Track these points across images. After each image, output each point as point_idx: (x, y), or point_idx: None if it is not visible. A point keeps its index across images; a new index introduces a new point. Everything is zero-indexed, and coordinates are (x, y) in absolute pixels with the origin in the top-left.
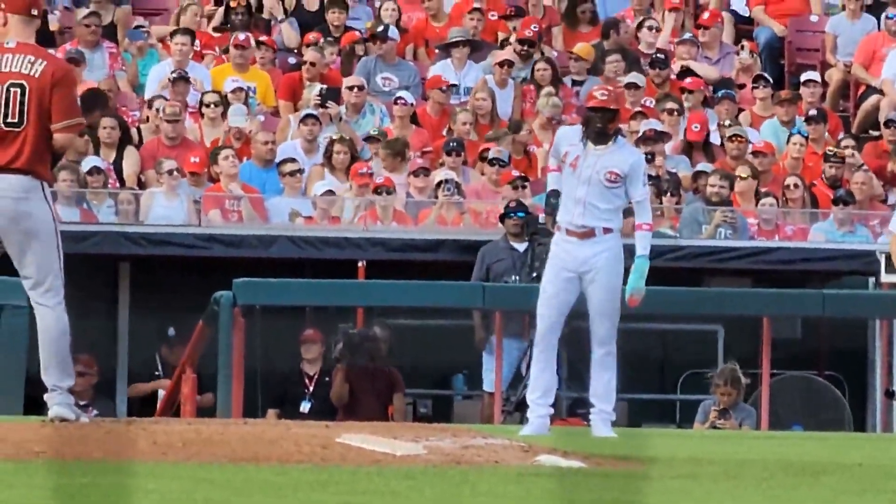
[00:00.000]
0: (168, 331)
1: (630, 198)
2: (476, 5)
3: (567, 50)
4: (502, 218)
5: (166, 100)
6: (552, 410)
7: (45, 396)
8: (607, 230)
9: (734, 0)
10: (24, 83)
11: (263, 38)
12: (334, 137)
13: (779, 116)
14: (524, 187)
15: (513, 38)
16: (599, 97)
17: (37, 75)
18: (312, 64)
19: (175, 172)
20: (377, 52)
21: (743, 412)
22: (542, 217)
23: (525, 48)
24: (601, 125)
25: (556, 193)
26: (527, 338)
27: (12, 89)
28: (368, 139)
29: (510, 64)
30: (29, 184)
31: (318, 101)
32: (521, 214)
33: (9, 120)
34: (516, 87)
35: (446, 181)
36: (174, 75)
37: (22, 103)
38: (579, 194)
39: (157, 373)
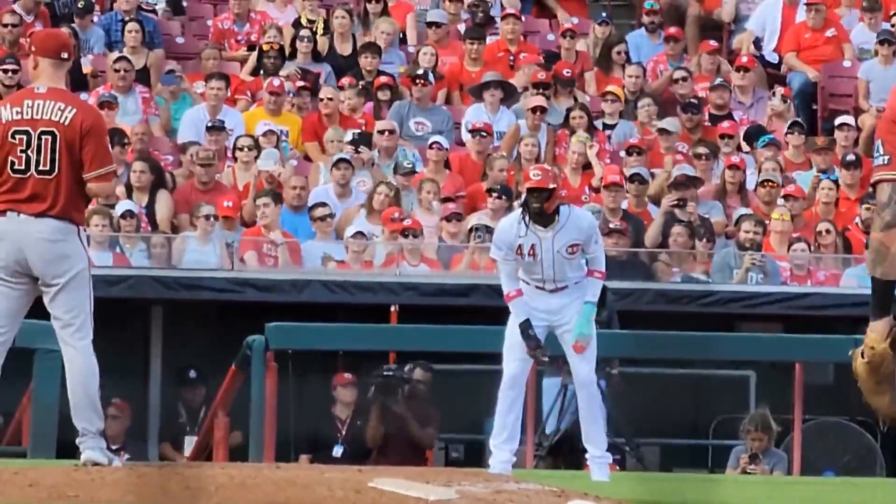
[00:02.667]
0: (189, 373)
1: (586, 254)
2: (510, 48)
3: (600, 94)
4: None
5: (199, 145)
6: (514, 458)
7: (77, 440)
8: (577, 283)
9: (763, 46)
10: (55, 130)
11: (301, 83)
12: (379, 182)
13: (816, 165)
14: None
15: (541, 76)
16: (533, 177)
17: (66, 123)
18: (330, 99)
19: (212, 217)
20: (413, 97)
21: (774, 457)
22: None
23: (558, 87)
24: (538, 205)
25: (528, 324)
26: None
27: (44, 137)
28: (405, 173)
29: (543, 110)
30: (66, 227)
31: (352, 147)
32: None
33: (41, 168)
34: (549, 133)
35: (477, 228)
36: (210, 123)
37: (53, 151)
38: (547, 274)
39: (181, 420)
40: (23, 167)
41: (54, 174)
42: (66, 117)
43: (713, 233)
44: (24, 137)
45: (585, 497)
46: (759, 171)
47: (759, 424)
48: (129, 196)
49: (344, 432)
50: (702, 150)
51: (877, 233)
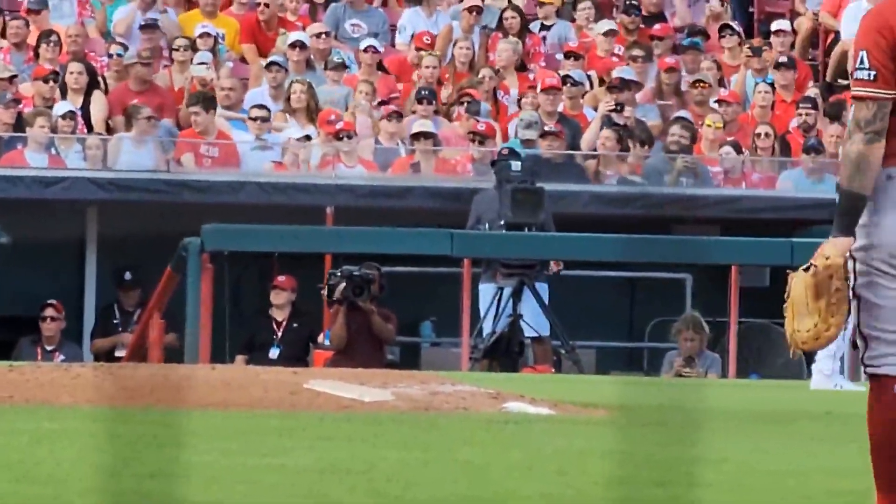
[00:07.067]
0: (124, 275)
1: None
2: None
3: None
4: (492, 164)
5: (124, 46)
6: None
7: None
8: None
9: None
10: None
11: None
12: (296, 80)
13: (751, 66)
14: (481, 143)
15: None
16: None
17: None
18: (266, 5)
19: (151, 119)
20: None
21: (708, 360)
22: (515, 165)
23: None
24: None
25: None
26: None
27: None
28: (334, 67)
29: (479, 10)
30: None
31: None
32: (510, 160)
33: None
34: (481, 35)
35: (423, 133)
36: (143, 22)
37: None
38: None
39: (115, 321)
40: None
41: None
42: None
43: (651, 136)
44: None
45: (521, 399)
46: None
47: (690, 324)
48: (64, 97)
49: (280, 334)
50: (637, 52)
51: (860, 146)
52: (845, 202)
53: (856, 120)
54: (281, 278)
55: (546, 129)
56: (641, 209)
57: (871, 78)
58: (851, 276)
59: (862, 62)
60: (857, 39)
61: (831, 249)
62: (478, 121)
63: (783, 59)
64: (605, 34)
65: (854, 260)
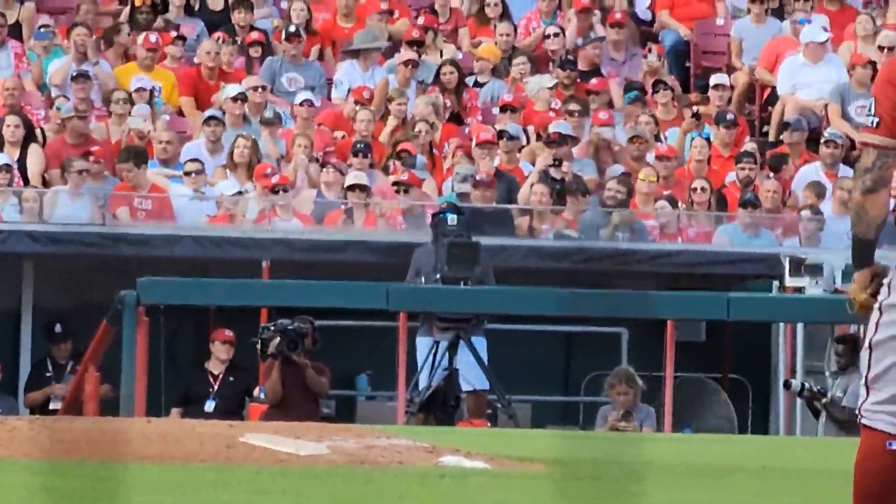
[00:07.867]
0: (55, 328)
1: None
2: (383, 7)
3: (472, 51)
4: (433, 217)
5: (67, 98)
6: None
7: None
8: None
9: (636, 3)
10: None
11: (174, 32)
12: (241, 135)
13: (687, 121)
14: (406, 192)
15: (415, 34)
16: None
17: None
18: (217, 53)
19: (84, 172)
20: (286, 52)
21: (642, 413)
22: (451, 219)
23: (415, 48)
24: None
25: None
26: (435, 335)
27: None
28: (267, 122)
29: (415, 65)
30: None
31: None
32: (448, 214)
33: None
34: (418, 90)
35: (358, 186)
36: (75, 72)
37: None
38: None
39: (48, 374)
40: None
41: None
42: None
43: (587, 190)
44: None
45: (457, 453)
46: (628, 128)
47: (623, 378)
48: (0, 150)
49: (216, 387)
50: (573, 106)
51: (858, 196)
52: (853, 242)
53: (859, 166)
54: (228, 333)
55: (478, 177)
56: (578, 263)
57: (874, 125)
58: (873, 327)
59: (870, 110)
60: (873, 88)
61: (853, 287)
62: (413, 172)
63: (723, 113)
64: (540, 89)
65: (881, 313)
